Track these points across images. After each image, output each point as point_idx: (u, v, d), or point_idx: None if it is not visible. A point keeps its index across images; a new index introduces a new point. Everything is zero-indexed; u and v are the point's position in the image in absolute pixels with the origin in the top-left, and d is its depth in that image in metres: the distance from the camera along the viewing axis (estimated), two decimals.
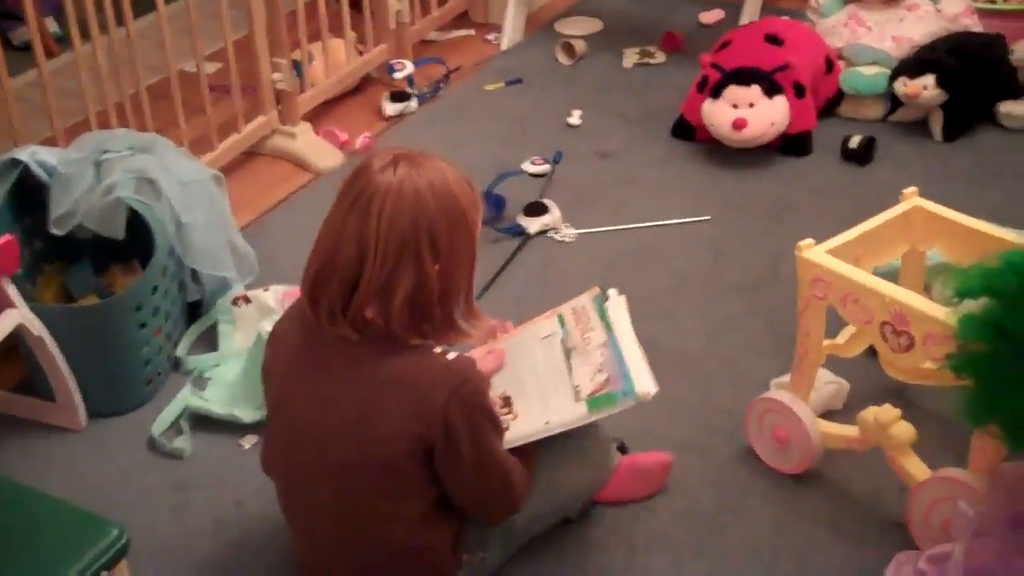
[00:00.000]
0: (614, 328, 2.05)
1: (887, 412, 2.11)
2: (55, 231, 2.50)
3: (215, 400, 2.51)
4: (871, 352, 2.33)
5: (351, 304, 1.78)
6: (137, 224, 2.52)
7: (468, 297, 1.86)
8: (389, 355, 1.80)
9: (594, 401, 1.95)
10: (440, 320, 1.82)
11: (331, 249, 1.78)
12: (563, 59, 3.98)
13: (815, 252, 2.13)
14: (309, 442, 1.87)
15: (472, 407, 1.80)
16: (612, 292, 2.13)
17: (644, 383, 1.93)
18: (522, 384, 2.05)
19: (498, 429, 1.88)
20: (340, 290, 1.78)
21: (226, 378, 2.57)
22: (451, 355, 1.82)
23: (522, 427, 1.98)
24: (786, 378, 2.41)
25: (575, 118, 3.61)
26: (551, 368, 2.06)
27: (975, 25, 3.63)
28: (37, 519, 1.75)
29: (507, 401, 2.03)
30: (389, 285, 1.75)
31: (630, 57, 3.98)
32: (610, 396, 1.94)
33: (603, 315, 2.09)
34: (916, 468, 2.10)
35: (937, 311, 1.94)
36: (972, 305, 1.86)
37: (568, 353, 2.07)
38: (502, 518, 1.97)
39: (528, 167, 3.12)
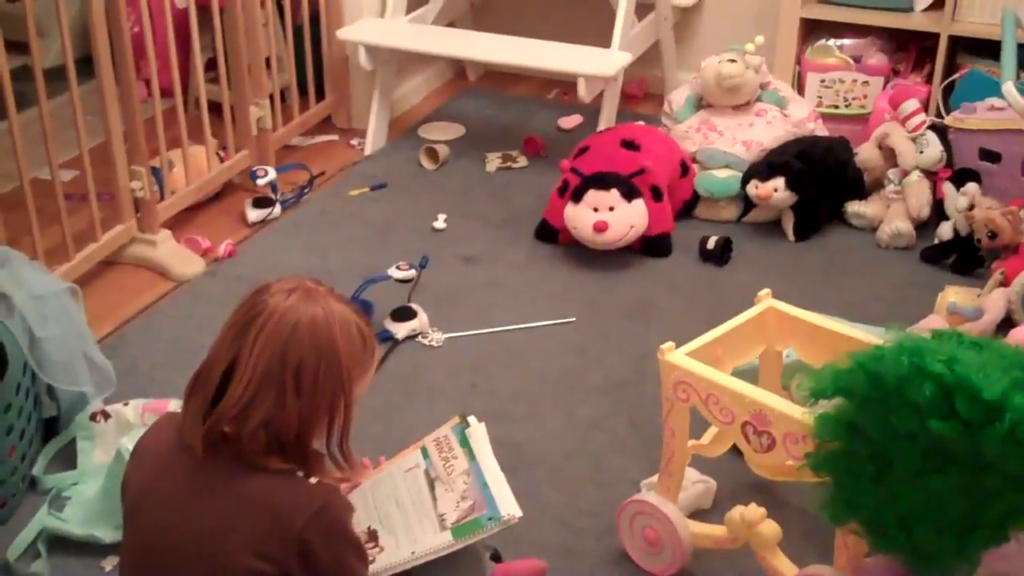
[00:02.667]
0: (476, 454, 2.08)
1: (753, 512, 2.15)
2: None
3: (74, 520, 2.42)
4: (736, 449, 2.38)
5: (211, 415, 1.74)
6: None
7: (342, 442, 1.83)
8: (247, 475, 1.76)
9: (459, 529, 1.96)
10: (297, 453, 1.78)
11: (209, 358, 1.77)
12: (427, 164, 4.02)
13: (676, 355, 2.18)
14: (158, 560, 1.80)
15: (333, 534, 1.76)
16: (472, 419, 2.16)
17: (508, 506, 1.96)
18: (388, 517, 2.05)
19: (361, 556, 1.84)
20: (205, 399, 1.75)
21: (85, 497, 2.48)
22: (313, 480, 1.78)
23: (388, 558, 1.97)
24: (655, 478, 2.44)
25: (440, 222, 3.65)
26: (415, 499, 2.07)
27: (820, 129, 3.81)
28: None
29: (373, 535, 2.01)
30: (247, 408, 1.72)
31: (492, 161, 4.05)
32: (475, 522, 1.96)
33: (464, 442, 2.12)
34: (783, 565, 2.14)
35: (795, 411, 2.00)
36: (828, 405, 1.93)
37: (432, 483, 2.09)
38: None
39: (394, 272, 3.13)
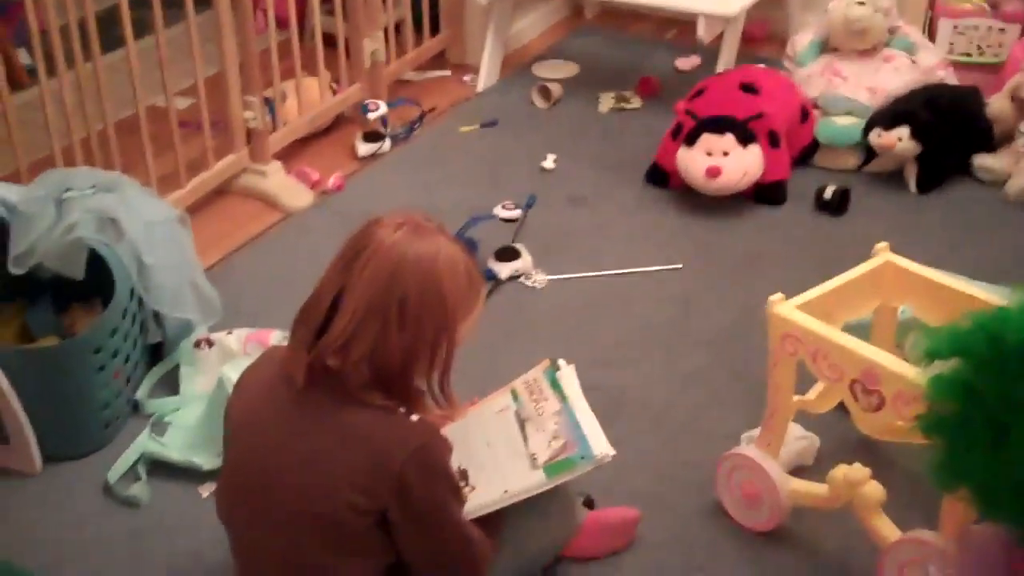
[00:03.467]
0: (567, 396, 2.06)
1: (857, 471, 2.08)
2: (14, 270, 2.46)
3: (174, 446, 2.45)
4: (842, 407, 2.31)
5: (316, 346, 1.74)
6: (99, 263, 2.48)
7: (443, 380, 1.83)
8: (348, 409, 1.76)
9: (551, 468, 1.94)
10: (399, 388, 1.78)
11: (317, 289, 1.77)
12: (539, 102, 3.96)
13: (786, 307, 2.10)
14: (256, 490, 1.82)
15: (431, 472, 1.76)
16: (562, 363, 2.13)
17: (601, 446, 1.94)
18: (478, 457, 2.04)
19: (457, 496, 1.84)
20: (309, 331, 1.75)
21: (186, 423, 2.51)
22: (414, 416, 1.77)
23: (481, 498, 1.95)
24: (755, 432, 2.38)
25: (549, 162, 3.59)
26: (506, 440, 2.05)
27: (950, 78, 3.64)
28: None
29: (464, 475, 2.00)
30: (351, 340, 1.72)
31: (606, 102, 3.96)
32: (568, 461, 1.94)
33: (555, 385, 2.10)
34: (887, 528, 2.06)
35: (907, 370, 1.92)
36: (943, 366, 1.84)
37: (523, 424, 2.06)
38: None
39: (500, 212, 3.09)
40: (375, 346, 1.72)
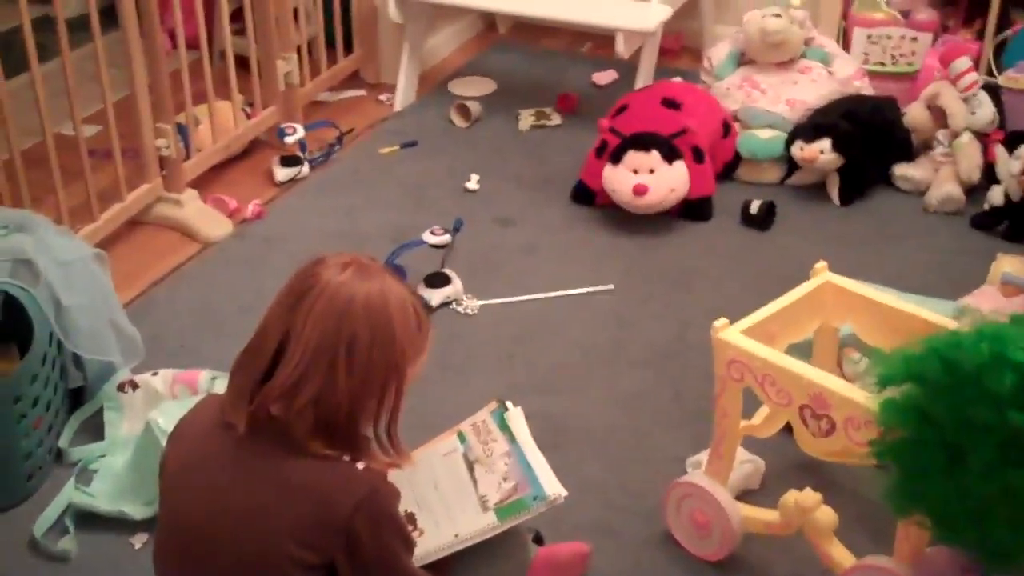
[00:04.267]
0: (516, 437, 2.02)
1: (808, 497, 2.07)
2: None
3: (101, 495, 2.35)
4: (786, 427, 2.29)
5: (259, 393, 1.67)
6: (13, 307, 2.36)
7: (391, 426, 1.76)
8: (291, 459, 1.68)
9: (503, 510, 1.91)
10: (345, 436, 1.71)
11: (259, 332, 1.69)
12: (458, 121, 3.91)
13: (730, 333, 2.08)
14: (195, 546, 1.73)
15: (380, 521, 1.69)
16: (509, 404, 2.09)
17: (553, 486, 1.91)
18: (426, 501, 1.99)
19: (407, 543, 1.77)
20: (253, 376, 1.68)
21: (113, 470, 2.41)
22: (359, 464, 1.71)
23: (430, 542, 1.90)
24: (701, 456, 2.36)
25: (473, 183, 3.54)
26: (455, 482, 2.00)
27: (866, 87, 3.68)
28: None
29: (411, 518, 1.95)
30: (297, 384, 1.65)
31: (526, 119, 3.93)
32: (520, 503, 1.90)
33: (504, 426, 2.06)
34: (840, 554, 2.05)
35: (858, 395, 1.91)
36: (895, 390, 1.83)
37: (471, 466, 2.02)
38: None
39: (429, 237, 3.03)
40: (321, 392, 1.65)
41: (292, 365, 1.64)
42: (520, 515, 1.90)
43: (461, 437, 2.07)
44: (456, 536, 1.90)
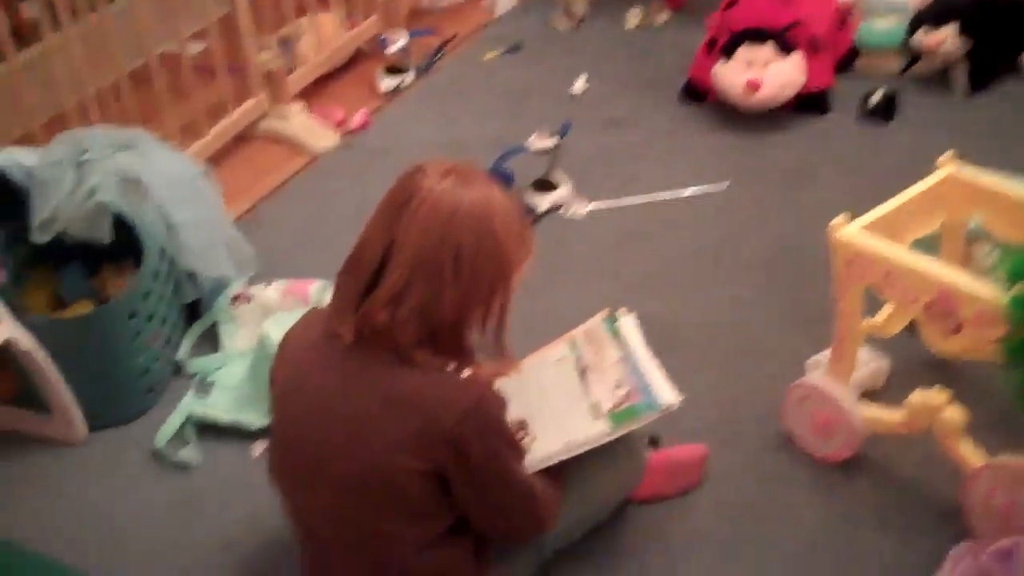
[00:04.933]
0: (629, 345, 1.98)
1: (936, 396, 1.99)
2: (38, 238, 2.37)
3: (220, 406, 2.38)
4: (910, 325, 2.21)
5: (364, 303, 1.65)
6: (125, 226, 2.38)
7: (498, 333, 1.74)
8: (397, 369, 1.67)
9: (616, 416, 1.88)
10: (450, 344, 1.69)
11: (362, 242, 1.68)
12: (562, 23, 3.81)
13: (850, 230, 1.99)
14: (307, 455, 1.75)
15: (486, 429, 1.67)
16: (621, 312, 2.05)
17: (667, 394, 1.88)
18: (537, 407, 1.96)
19: (516, 451, 1.75)
20: (358, 286, 1.66)
21: (231, 382, 2.44)
22: (464, 373, 1.69)
23: (543, 449, 1.88)
24: (821, 356, 2.29)
25: (579, 86, 3.46)
26: (566, 389, 1.97)
27: None
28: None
29: (522, 424, 1.92)
30: (402, 295, 1.63)
31: (632, 18, 3.82)
32: (632, 410, 1.87)
33: (616, 334, 2.02)
34: (970, 454, 1.97)
35: (987, 291, 1.81)
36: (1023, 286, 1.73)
37: (582, 373, 1.99)
38: (528, 541, 1.86)
39: (534, 142, 2.97)
40: (427, 301, 1.63)
41: (396, 274, 1.62)
42: (633, 422, 1.87)
43: (573, 344, 2.03)
44: (568, 443, 1.87)
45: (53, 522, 2.19)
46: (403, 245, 1.62)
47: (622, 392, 1.91)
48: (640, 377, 1.92)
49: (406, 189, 1.65)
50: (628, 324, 2.03)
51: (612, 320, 2.03)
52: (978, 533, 1.95)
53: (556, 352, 2.04)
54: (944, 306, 1.88)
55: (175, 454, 2.30)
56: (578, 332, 2.06)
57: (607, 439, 1.87)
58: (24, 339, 2.22)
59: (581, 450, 1.87)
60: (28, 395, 2.37)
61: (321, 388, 1.72)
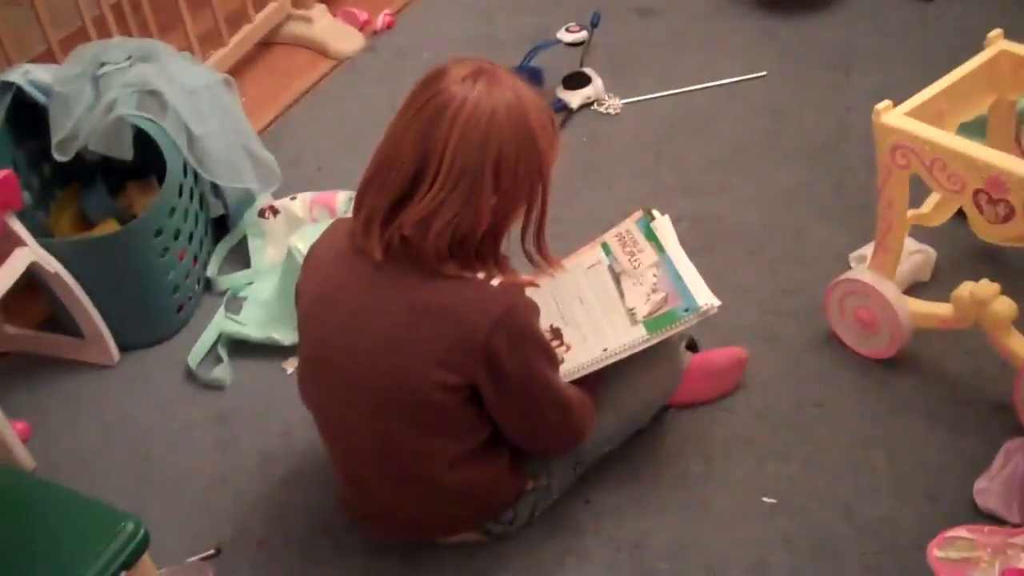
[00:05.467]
0: (665, 247, 1.91)
1: (984, 288, 1.90)
2: (59, 156, 2.32)
3: (251, 323, 2.35)
4: (959, 212, 2.11)
5: (394, 217, 1.59)
6: (146, 140, 2.33)
7: (539, 234, 1.69)
8: (427, 281, 1.62)
9: (653, 322, 1.82)
10: (483, 253, 1.63)
11: (389, 154, 1.60)
12: None
13: (894, 115, 1.89)
14: (336, 372, 1.71)
15: (519, 337, 1.62)
16: (656, 212, 1.97)
17: (705, 296, 1.81)
18: (570, 315, 1.90)
19: (550, 358, 1.70)
20: (387, 199, 1.59)
21: (261, 297, 2.41)
22: (494, 281, 1.63)
23: (578, 358, 1.83)
24: (865, 250, 2.20)
25: None
26: (601, 295, 1.91)
27: None
28: (48, 515, 1.59)
29: (557, 333, 1.87)
30: (440, 208, 1.56)
31: None
32: (670, 314, 1.81)
33: (651, 235, 1.94)
34: (1021, 347, 1.89)
35: None
36: None
37: (618, 278, 1.92)
38: (565, 451, 1.82)
39: (564, 36, 2.87)
40: (463, 212, 1.57)
41: (437, 189, 1.55)
42: (671, 327, 1.81)
43: (605, 248, 1.97)
44: (605, 351, 1.82)
45: (88, 446, 2.19)
46: (442, 158, 1.54)
47: (659, 297, 1.85)
48: (677, 280, 1.86)
49: (436, 97, 1.56)
50: (663, 224, 1.95)
51: (647, 220, 1.96)
52: None
53: (589, 257, 1.98)
54: (994, 193, 1.78)
55: (208, 373, 2.28)
56: (611, 235, 1.99)
57: (645, 346, 1.81)
58: (51, 262, 2.19)
59: (618, 358, 1.82)
60: (58, 319, 2.36)
61: (349, 303, 1.68)
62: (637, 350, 1.81)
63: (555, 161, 1.66)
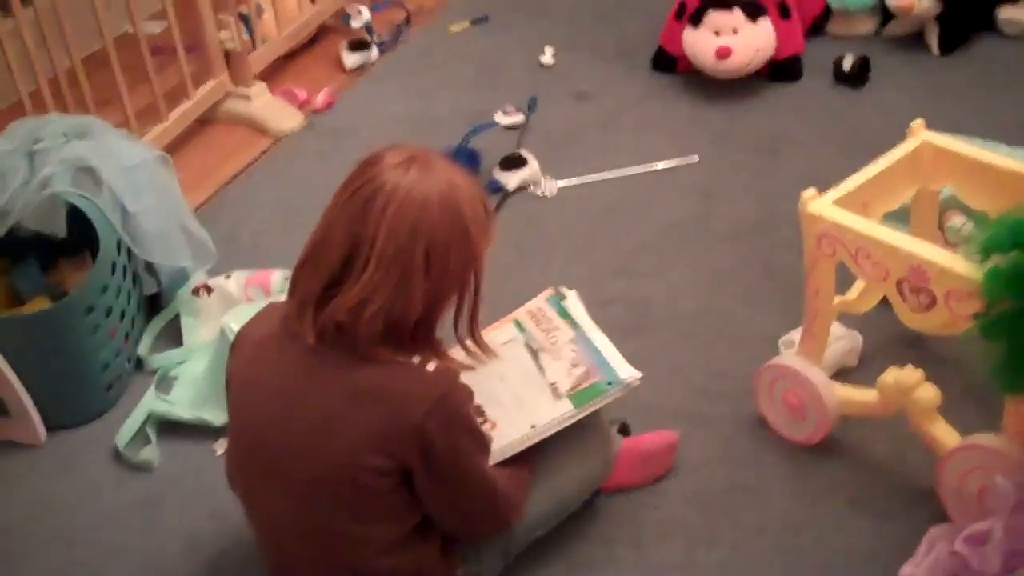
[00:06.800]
0: (578, 322, 1.94)
1: (909, 375, 1.94)
2: None
3: (181, 403, 2.33)
4: (884, 299, 2.15)
5: (327, 301, 1.59)
6: (82, 214, 2.32)
7: (472, 322, 1.71)
8: (360, 366, 1.62)
9: (578, 396, 1.84)
10: (417, 338, 1.64)
11: (321, 239, 1.61)
12: None
13: (820, 204, 1.94)
14: (268, 456, 1.70)
15: (453, 423, 1.63)
16: (565, 290, 2.01)
17: (626, 369, 1.85)
18: (492, 393, 1.90)
19: (482, 447, 1.71)
20: (319, 283, 1.60)
21: (192, 376, 2.38)
22: (430, 366, 1.63)
23: (506, 435, 1.83)
24: (793, 335, 2.24)
25: (547, 57, 3.39)
26: (520, 371, 1.92)
27: None
28: None
29: (479, 411, 1.87)
30: (371, 296, 1.56)
31: None
32: (594, 387, 1.84)
33: (564, 313, 1.97)
34: (944, 434, 1.93)
35: (960, 266, 1.76)
36: (999, 259, 1.68)
37: (535, 354, 1.94)
38: (490, 538, 1.82)
39: (501, 118, 2.91)
40: (396, 299, 1.57)
41: (367, 276, 1.56)
42: (596, 400, 1.83)
43: (519, 326, 1.98)
44: (533, 427, 1.83)
45: (12, 525, 2.14)
46: (372, 245, 1.55)
47: (580, 371, 1.88)
48: (596, 354, 1.88)
49: (368, 183, 1.57)
50: (574, 301, 1.98)
51: (559, 298, 1.99)
52: (954, 516, 1.91)
53: (502, 334, 1.98)
54: (916, 282, 1.83)
55: (136, 454, 2.25)
56: (521, 312, 2.01)
57: (572, 420, 1.83)
58: None
59: (547, 433, 1.83)
60: None
61: (281, 388, 1.67)
62: (565, 424, 1.82)
63: (489, 249, 1.68)
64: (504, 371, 1.93)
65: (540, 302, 2.01)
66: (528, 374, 1.91)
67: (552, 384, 1.87)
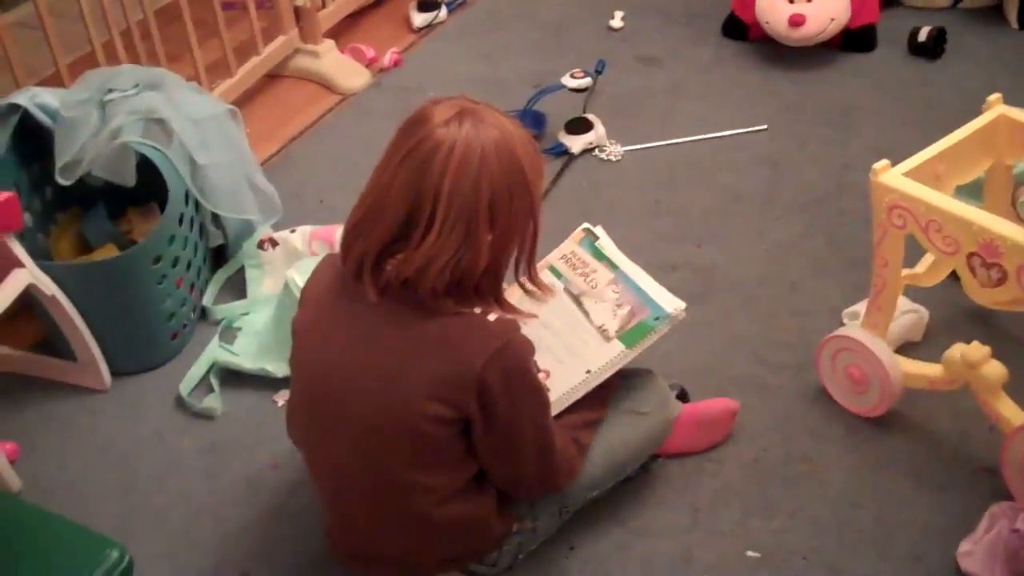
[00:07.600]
0: (615, 262, 1.94)
1: (976, 351, 1.91)
2: (62, 180, 2.33)
3: (245, 353, 2.36)
4: (953, 274, 2.12)
5: (384, 261, 1.60)
6: (149, 167, 2.34)
7: (530, 266, 1.70)
8: (424, 316, 1.62)
9: (627, 336, 1.84)
10: (482, 289, 1.64)
11: (378, 199, 1.60)
12: None
13: (892, 175, 1.91)
14: (329, 406, 1.71)
15: (513, 374, 1.63)
16: (598, 231, 1.99)
17: (671, 302, 1.85)
18: (541, 342, 1.88)
19: (540, 400, 1.71)
20: (376, 245, 1.60)
21: (256, 328, 2.41)
22: (492, 316, 1.64)
23: (562, 383, 1.84)
24: (858, 307, 2.22)
25: (617, 21, 3.37)
26: (566, 318, 1.92)
27: None
28: (33, 539, 1.58)
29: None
30: (440, 251, 1.56)
31: None
32: (642, 326, 1.84)
33: (599, 254, 1.96)
34: (1010, 411, 1.90)
35: None
36: None
37: (577, 299, 1.93)
38: (537, 497, 1.83)
39: (568, 81, 2.89)
40: (463, 253, 1.58)
41: (432, 234, 1.56)
42: (646, 338, 1.84)
43: (555, 272, 1.98)
44: (588, 372, 1.84)
45: (76, 470, 2.18)
46: (434, 202, 1.55)
47: (624, 311, 1.88)
48: (639, 292, 1.88)
49: (423, 142, 1.56)
50: (606, 239, 1.97)
51: (591, 239, 1.98)
52: (1017, 494, 1.88)
53: None
54: (987, 256, 1.80)
55: (199, 402, 2.28)
56: (555, 257, 2.00)
57: (626, 360, 1.84)
58: (48, 285, 2.20)
59: (603, 377, 1.84)
60: (52, 341, 2.36)
61: (344, 340, 1.68)
62: (619, 366, 1.83)
63: (543, 187, 1.68)
64: (550, 319, 1.92)
65: (573, 245, 2.00)
66: (575, 320, 1.91)
67: (600, 327, 1.87)
